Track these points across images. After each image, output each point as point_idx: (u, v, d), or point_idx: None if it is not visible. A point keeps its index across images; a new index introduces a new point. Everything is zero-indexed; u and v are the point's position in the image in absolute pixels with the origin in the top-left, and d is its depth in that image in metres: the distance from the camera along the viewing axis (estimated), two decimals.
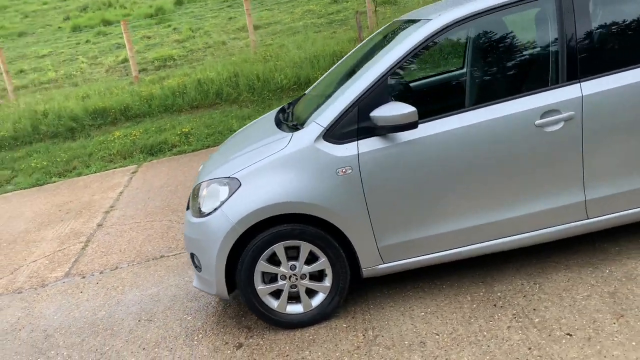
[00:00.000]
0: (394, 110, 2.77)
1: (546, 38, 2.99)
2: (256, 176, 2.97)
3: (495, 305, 2.96)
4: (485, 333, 2.74)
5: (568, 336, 2.60)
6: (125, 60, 12.62)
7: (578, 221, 3.04)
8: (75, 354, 3.29)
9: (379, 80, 2.90)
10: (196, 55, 12.19)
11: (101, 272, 4.47)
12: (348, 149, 2.90)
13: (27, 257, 5.18)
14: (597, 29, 2.97)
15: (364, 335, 2.93)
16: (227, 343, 3.09)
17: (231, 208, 2.94)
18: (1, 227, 6.33)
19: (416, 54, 2.94)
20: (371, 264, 3.05)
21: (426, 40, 2.93)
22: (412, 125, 2.78)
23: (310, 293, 3.10)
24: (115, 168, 8.16)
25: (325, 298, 3.09)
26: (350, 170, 2.89)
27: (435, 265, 3.14)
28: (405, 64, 2.94)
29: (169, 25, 15.15)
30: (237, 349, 3.02)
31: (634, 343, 2.48)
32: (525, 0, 2.95)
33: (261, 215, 2.90)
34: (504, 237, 3.04)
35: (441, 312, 2.99)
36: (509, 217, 2.99)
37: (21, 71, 13.33)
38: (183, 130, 8.82)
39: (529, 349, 2.57)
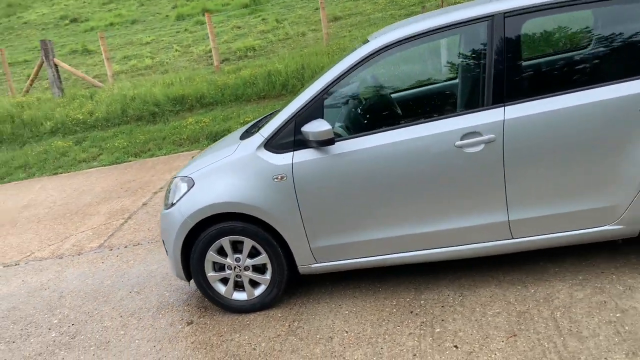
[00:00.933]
0: (316, 127, 3.05)
1: (477, 62, 3.09)
2: (206, 177, 3.40)
3: (411, 312, 3.17)
4: (386, 336, 2.98)
5: (454, 348, 2.77)
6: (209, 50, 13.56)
7: (503, 240, 3.13)
8: (72, 314, 3.96)
9: (314, 98, 3.19)
10: (275, 47, 12.80)
11: (125, 247, 5.17)
12: (284, 158, 3.24)
13: (79, 227, 6.05)
14: (525, 56, 3.02)
15: (289, 325, 3.27)
16: (182, 319, 3.59)
17: (184, 204, 3.41)
18: (73, 199, 7.34)
19: (350, 74, 3.18)
20: (305, 263, 3.37)
21: (357, 65, 3.16)
22: (329, 142, 3.05)
23: (254, 283, 3.49)
24: (182, 152, 8.99)
25: (266, 289, 3.46)
26: (285, 178, 3.23)
27: (380, 267, 3.38)
28: (341, 82, 3.19)
29: (259, 16, 15.93)
30: (187, 325, 3.50)
31: None
32: (458, 24, 3.08)
33: (207, 212, 3.33)
34: (428, 249, 3.22)
35: (363, 313, 3.25)
36: (432, 230, 3.16)
37: (125, 57, 14.80)
38: (246, 119, 9.45)
39: (414, 355, 2.78)
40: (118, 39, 17.05)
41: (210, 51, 13.51)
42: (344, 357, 2.86)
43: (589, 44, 3.24)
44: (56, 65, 12.45)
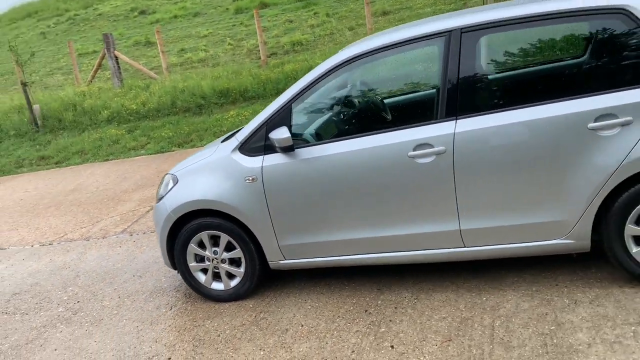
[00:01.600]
0: (278, 134, 3.28)
1: (433, 76, 3.21)
2: (188, 175, 3.72)
3: (365, 311, 3.35)
4: (335, 332, 3.19)
5: (390, 348, 2.94)
6: (264, 43, 13.96)
7: (456, 248, 3.25)
8: (80, 292, 4.42)
9: (283, 106, 3.42)
10: (321, 42, 13.01)
11: (144, 233, 5.61)
12: (255, 162, 3.49)
13: (110, 212, 6.58)
14: (479, 72, 3.10)
15: (256, 316, 3.54)
16: (167, 304, 3.94)
17: (169, 199, 3.74)
18: (114, 185, 7.94)
19: (316, 85, 3.38)
20: (275, 259, 3.62)
21: (322, 76, 3.35)
22: (289, 149, 3.28)
23: (230, 275, 3.78)
24: None
25: (240, 281, 3.75)
26: (255, 180, 3.48)
27: (354, 267, 3.58)
28: (307, 93, 3.40)
29: (312, 10, 16.17)
30: (169, 310, 3.85)
31: None
32: (417, 39, 3.20)
33: (187, 208, 3.65)
34: (385, 252, 3.38)
35: (323, 309, 3.47)
36: (388, 235, 3.32)
37: (182, 50, 15.50)
38: None
39: (352, 351, 2.97)
40: (179, 32, 17.82)
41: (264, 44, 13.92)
42: (291, 349, 3.10)
43: (541, 61, 3.26)
44: (116, 57, 13.26)
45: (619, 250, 3.03)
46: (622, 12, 2.88)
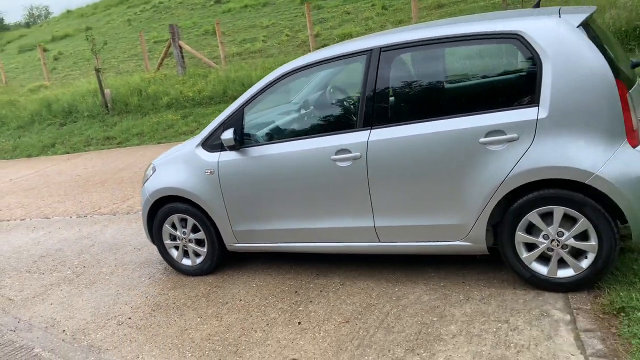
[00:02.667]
0: (225, 135, 3.81)
1: (356, 89, 3.59)
2: (163, 165, 4.34)
3: (295, 292, 3.84)
4: (262, 308, 3.70)
5: (297, 324, 3.42)
6: (317, 35, 14.45)
7: (372, 242, 3.65)
8: (89, 259, 5.21)
9: (235, 111, 3.94)
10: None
11: None
12: (213, 157, 4.05)
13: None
14: (391, 87, 3.46)
15: (210, 289, 4.13)
16: (148, 274, 4.62)
17: (148, 185, 4.39)
18: None
19: (263, 93, 3.87)
20: (230, 242, 4.18)
21: (268, 85, 3.84)
22: (233, 148, 3.81)
23: (197, 254, 4.38)
24: None
25: (204, 259, 4.34)
26: (213, 172, 4.04)
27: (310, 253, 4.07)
28: (256, 99, 3.90)
29: (370, 1, 16.39)
30: (147, 279, 4.52)
31: (322, 337, 3.20)
32: (344, 56, 3.61)
33: (160, 194, 4.28)
34: (315, 242, 3.84)
35: (264, 288, 3.99)
36: (317, 227, 3.78)
37: (243, 40, 16.31)
38: None
39: (267, 324, 3.48)
40: (245, 22, 18.66)
41: (316, 36, 14.41)
42: (222, 319, 3.66)
43: (443, 80, 3.54)
44: (180, 47, 14.27)
45: (511, 255, 3.31)
46: (516, 37, 3.13)
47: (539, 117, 3.06)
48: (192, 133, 11.16)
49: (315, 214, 3.76)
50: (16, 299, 4.55)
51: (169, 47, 14.55)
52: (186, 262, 4.44)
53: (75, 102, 14.12)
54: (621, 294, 3.05)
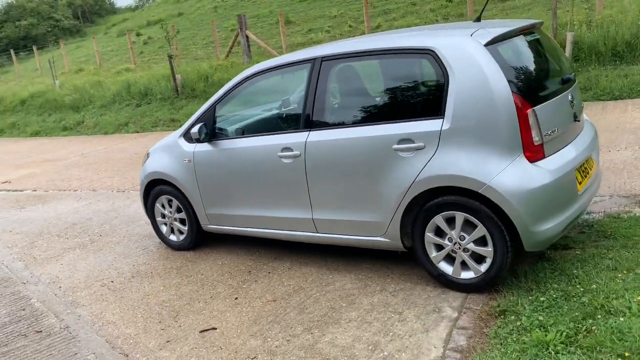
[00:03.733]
0: (194, 129, 4.34)
1: (301, 94, 3.97)
2: (155, 152, 4.96)
3: (249, 272, 4.32)
4: (215, 283, 4.21)
5: (234, 299, 3.90)
6: (378, 26, 14.64)
7: (311, 233, 4.05)
8: (108, 229, 5.99)
9: (207, 108, 4.45)
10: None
11: None
12: (191, 147, 4.59)
13: None
14: (327, 94, 3.80)
15: (183, 264, 4.70)
16: (145, 246, 5.28)
17: (144, 168, 5.03)
18: None
19: (232, 92, 4.35)
20: (204, 223, 4.73)
21: (235, 86, 4.31)
22: (200, 141, 4.32)
23: (181, 232, 4.98)
24: None
25: (185, 237, 4.93)
26: (190, 161, 4.60)
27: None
28: (225, 98, 4.39)
29: None
30: (142, 250, 5.19)
31: (245, 313, 3.65)
32: (294, 63, 4.00)
33: (150, 177, 4.91)
34: (269, 228, 4.29)
35: (227, 266, 4.50)
36: (268, 215, 4.22)
37: (309, 30, 16.79)
38: None
39: (211, 297, 3.99)
40: (317, 11, 19.12)
41: (376, 28, 14.61)
42: (179, 289, 4.22)
43: (368, 90, 3.80)
44: (247, 36, 15.04)
45: (421, 254, 3.58)
46: (429, 53, 3.37)
47: (442, 129, 3.30)
48: None
49: (267, 203, 4.20)
50: (39, 257, 5.40)
51: (237, 36, 15.36)
52: (172, 237, 5.05)
53: (151, 85, 15.33)
54: (511, 298, 3.24)
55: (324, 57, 3.83)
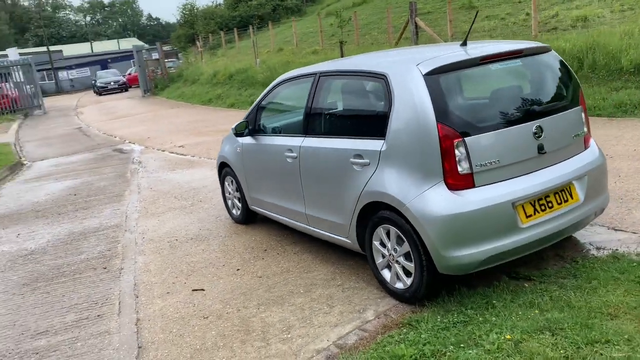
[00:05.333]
0: (235, 125, 5.17)
1: (303, 104, 4.50)
2: (224, 140, 5.94)
3: (264, 250, 5.07)
4: (235, 253, 5.05)
5: (237, 270, 4.70)
6: (555, 15, 13.62)
7: (306, 225, 4.63)
8: (210, 196, 7.23)
9: (252, 109, 5.25)
10: (610, 20, 11.99)
11: None
12: (240, 139, 5.46)
13: None
14: (319, 106, 4.27)
15: (229, 235, 5.64)
16: (217, 214, 6.35)
17: (219, 153, 6.08)
18: None
19: (269, 95, 5.07)
20: (250, 204, 5.59)
21: (270, 91, 5.01)
22: (240, 135, 5.14)
23: (238, 207, 5.92)
24: None
25: (240, 213, 5.86)
26: (240, 150, 5.48)
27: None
28: (265, 99, 5.13)
29: None
30: (215, 218, 6.27)
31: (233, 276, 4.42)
32: (305, 76, 4.55)
33: (220, 159, 5.93)
34: (283, 216, 4.98)
35: (254, 242, 5.31)
36: (281, 205, 4.91)
37: (487, 17, 16.18)
38: None
39: (223, 265, 4.84)
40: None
41: (552, 17, 13.60)
42: (210, 254, 5.16)
43: (342, 104, 4.12)
44: (416, 23, 15.27)
45: (370, 259, 3.94)
46: (382, 77, 3.66)
47: (382, 149, 3.60)
48: None
49: (279, 194, 4.89)
50: (150, 212, 6.87)
51: (407, 22, 15.67)
52: (233, 212, 6.03)
53: None
54: (425, 314, 3.45)
55: (322, 72, 4.32)
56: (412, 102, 3.42)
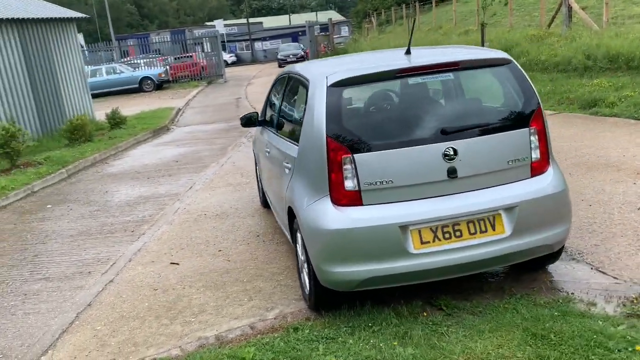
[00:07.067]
0: (244, 115, 5.49)
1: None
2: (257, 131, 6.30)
3: (257, 236, 5.37)
4: (234, 235, 5.43)
5: (218, 252, 5.09)
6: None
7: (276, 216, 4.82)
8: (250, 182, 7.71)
9: (266, 100, 5.50)
10: None
11: None
12: (255, 129, 5.78)
13: None
14: (284, 106, 4.39)
15: (249, 216, 6.03)
16: (252, 199, 6.78)
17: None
18: None
19: (274, 88, 5.28)
20: (263, 188, 5.91)
21: (272, 85, 5.22)
22: (253, 124, 5.43)
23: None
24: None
25: (262, 197, 6.22)
26: (253, 138, 5.82)
27: None
28: (273, 93, 5.35)
29: None
30: (249, 200, 6.71)
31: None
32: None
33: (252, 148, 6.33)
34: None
35: (256, 227, 5.63)
36: (269, 194, 5.15)
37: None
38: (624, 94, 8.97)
39: (215, 244, 5.27)
40: None
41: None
42: (217, 232, 5.61)
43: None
44: (569, 5, 13.71)
45: (296, 262, 4.02)
46: (306, 84, 3.66)
47: (295, 155, 3.64)
48: None
49: (267, 183, 5.13)
50: (208, 186, 7.55)
51: (560, 4, 14.14)
52: (260, 194, 6.41)
53: None
54: (319, 321, 3.50)
55: (290, 72, 4.42)
56: (314, 113, 3.40)
